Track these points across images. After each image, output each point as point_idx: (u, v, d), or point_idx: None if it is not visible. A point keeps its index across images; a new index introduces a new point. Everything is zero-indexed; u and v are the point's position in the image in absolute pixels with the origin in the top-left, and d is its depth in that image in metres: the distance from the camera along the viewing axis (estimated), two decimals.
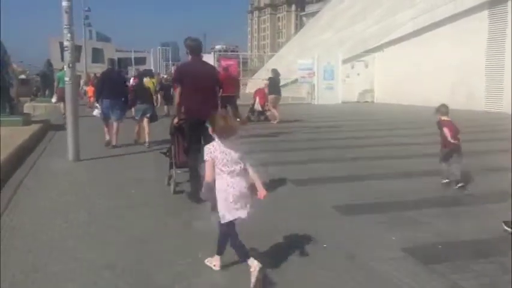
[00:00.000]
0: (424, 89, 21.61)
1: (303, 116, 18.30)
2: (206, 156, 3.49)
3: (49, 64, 24.57)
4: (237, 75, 22.11)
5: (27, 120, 12.49)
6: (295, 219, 5.02)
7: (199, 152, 5.20)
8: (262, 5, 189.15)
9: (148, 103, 10.56)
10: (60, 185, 6.71)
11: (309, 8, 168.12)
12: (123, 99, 10.14)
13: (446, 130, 6.44)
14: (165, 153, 6.47)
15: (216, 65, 24.95)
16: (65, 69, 8.11)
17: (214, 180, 3.47)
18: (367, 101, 26.44)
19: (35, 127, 12.11)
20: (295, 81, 28.56)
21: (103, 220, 5.00)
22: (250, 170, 3.60)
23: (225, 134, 3.49)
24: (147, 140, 10.11)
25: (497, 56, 19.11)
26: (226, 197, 3.44)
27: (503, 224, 4.51)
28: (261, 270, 3.35)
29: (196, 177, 5.34)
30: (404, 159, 8.45)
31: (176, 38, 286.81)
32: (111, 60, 11.14)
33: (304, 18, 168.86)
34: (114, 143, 9.97)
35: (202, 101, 5.53)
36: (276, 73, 16.30)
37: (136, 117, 10.59)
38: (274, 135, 12.32)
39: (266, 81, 16.54)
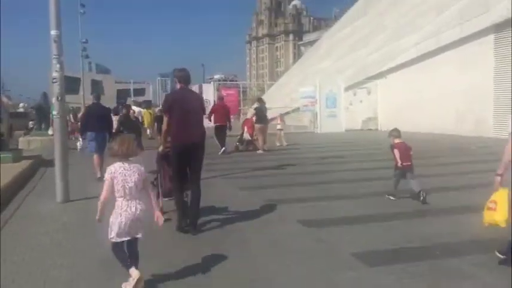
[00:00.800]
0: (430, 115, 21.08)
1: (306, 145, 17.70)
2: (106, 176, 3.73)
3: (45, 96, 24.09)
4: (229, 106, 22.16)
5: (18, 157, 11.84)
6: (310, 271, 4.31)
7: (185, 180, 5.74)
8: (260, 35, 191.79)
9: (134, 133, 10.48)
10: (43, 232, 5.95)
11: (307, 37, 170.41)
12: (107, 132, 10.26)
13: (396, 152, 7.22)
14: (152, 183, 6.28)
15: (215, 94, 24.75)
16: (54, 102, 7.49)
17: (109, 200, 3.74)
18: (370, 129, 25.85)
19: (25, 164, 11.44)
20: (297, 109, 28.10)
21: (88, 277, 4.27)
22: (151, 195, 3.90)
23: (124, 156, 3.76)
24: None
25: (504, 80, 18.62)
26: (120, 218, 3.68)
27: (496, 252, 4.27)
28: (139, 280, 3.66)
29: (181, 207, 5.73)
30: None
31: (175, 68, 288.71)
32: (97, 96, 11.25)
33: (302, 48, 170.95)
34: (99, 175, 9.76)
35: (190, 129, 5.73)
36: (261, 103, 16.35)
37: None
38: (278, 167, 11.63)
39: (253, 111, 16.54)
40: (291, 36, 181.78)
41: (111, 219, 3.73)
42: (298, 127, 26.47)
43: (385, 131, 24.55)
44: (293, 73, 46.99)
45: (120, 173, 3.71)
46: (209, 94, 23.76)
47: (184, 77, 5.91)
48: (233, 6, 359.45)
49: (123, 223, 3.69)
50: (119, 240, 3.74)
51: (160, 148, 6.11)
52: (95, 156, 10.09)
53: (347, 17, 41.51)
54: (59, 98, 7.42)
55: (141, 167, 3.86)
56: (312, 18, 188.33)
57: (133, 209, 3.71)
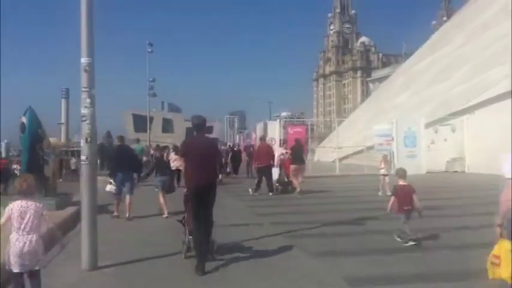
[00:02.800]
0: None
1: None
2: (6, 212, 4.25)
3: (108, 136, 23.68)
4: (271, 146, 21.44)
5: (63, 203, 10.71)
6: None
7: (203, 219, 6.16)
8: (327, 72, 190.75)
9: (166, 175, 10.97)
10: None
11: (376, 74, 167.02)
12: (135, 173, 10.57)
13: (392, 199, 7.27)
14: (180, 221, 6.84)
15: (282, 132, 23.24)
16: (82, 144, 6.13)
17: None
18: (456, 171, 22.89)
19: (69, 211, 10.25)
20: (371, 148, 25.75)
21: None
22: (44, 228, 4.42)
23: (22, 193, 4.34)
24: (165, 211, 10.43)
25: None
26: (13, 250, 4.15)
27: None
28: None
29: (199, 247, 6.03)
30: None
31: (243, 106, 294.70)
32: (121, 137, 11.71)
33: (370, 84, 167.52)
34: (128, 215, 10.17)
35: (203, 172, 6.18)
36: (298, 142, 16.03)
37: (156, 189, 10.87)
38: (354, 222, 9.54)
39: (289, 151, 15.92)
40: (358, 73, 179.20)
41: (8, 253, 4.19)
42: (371, 168, 24.03)
43: (475, 173, 21.83)
44: (365, 109, 44.66)
45: (17, 209, 4.19)
46: (275, 132, 22.17)
47: (198, 125, 6.51)
48: (300, 43, 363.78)
49: (13, 255, 4.12)
50: (13, 270, 4.17)
51: (185, 190, 6.51)
52: (127, 197, 10.27)
53: (424, 49, 38.90)
54: (89, 139, 6.03)
55: (39, 204, 4.34)
56: (380, 54, 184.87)
57: (21, 244, 4.13)
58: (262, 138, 17.05)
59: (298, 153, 15.13)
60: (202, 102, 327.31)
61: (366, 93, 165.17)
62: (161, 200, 10.60)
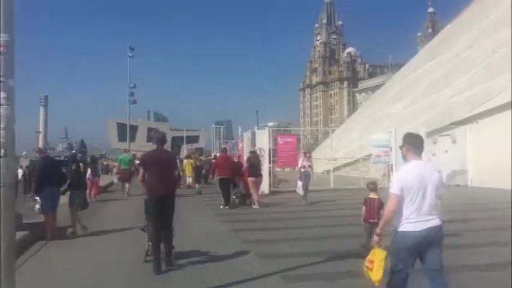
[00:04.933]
0: None
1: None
2: None
3: (82, 145, 21.81)
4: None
5: None
6: None
7: (160, 225, 6.73)
8: (314, 82, 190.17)
9: (80, 189, 10.37)
10: None
11: (362, 84, 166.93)
12: (60, 187, 9.90)
13: (364, 210, 7.61)
14: (142, 229, 7.26)
15: (272, 142, 21.53)
16: None
17: None
18: (458, 185, 21.28)
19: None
20: (366, 159, 24.07)
21: None
22: None
23: None
24: (77, 229, 9.98)
25: None
26: None
27: None
28: None
29: (156, 249, 6.61)
30: None
31: (230, 116, 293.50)
32: (40, 149, 10.90)
33: (357, 94, 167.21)
34: (49, 235, 9.37)
35: (162, 183, 6.77)
36: (254, 154, 15.97)
37: (71, 205, 10.09)
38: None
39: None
40: (345, 84, 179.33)
41: None
42: (366, 180, 22.35)
43: (479, 187, 20.28)
44: (358, 119, 43.07)
45: None
46: (263, 142, 20.39)
47: (159, 139, 7.24)
48: (287, 54, 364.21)
49: None
50: None
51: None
52: (51, 214, 9.55)
53: (422, 55, 37.43)
54: (2, 151, 4.12)
55: None
56: (366, 65, 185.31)
57: None
58: (224, 150, 17.65)
59: (254, 166, 15.03)
60: (188, 112, 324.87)
61: (352, 104, 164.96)
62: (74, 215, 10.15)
